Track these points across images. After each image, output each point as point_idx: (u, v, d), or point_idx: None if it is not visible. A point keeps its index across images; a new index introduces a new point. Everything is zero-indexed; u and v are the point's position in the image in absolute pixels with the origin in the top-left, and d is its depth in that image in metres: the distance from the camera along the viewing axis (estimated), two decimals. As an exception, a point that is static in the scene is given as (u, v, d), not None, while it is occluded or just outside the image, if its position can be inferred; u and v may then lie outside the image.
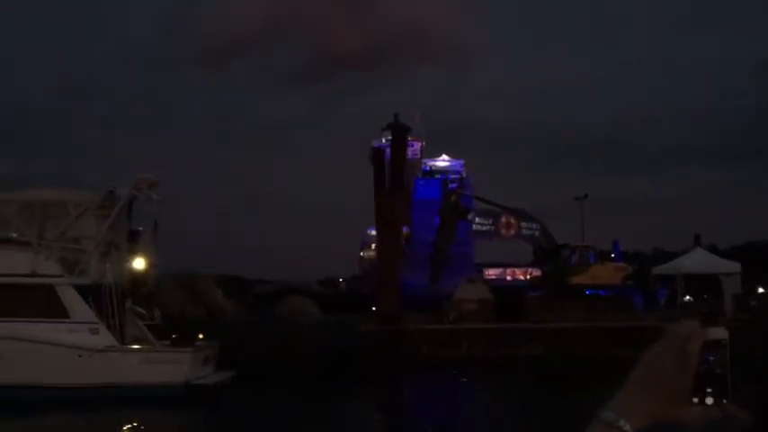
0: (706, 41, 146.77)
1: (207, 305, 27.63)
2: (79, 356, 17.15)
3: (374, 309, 30.97)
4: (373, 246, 64.39)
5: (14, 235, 18.53)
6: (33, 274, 17.74)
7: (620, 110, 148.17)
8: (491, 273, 43.47)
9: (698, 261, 32.63)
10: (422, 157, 63.56)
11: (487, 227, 34.61)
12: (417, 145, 64.52)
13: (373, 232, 66.07)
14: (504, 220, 34.87)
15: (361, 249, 63.40)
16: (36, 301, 17.70)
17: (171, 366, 17.47)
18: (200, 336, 20.31)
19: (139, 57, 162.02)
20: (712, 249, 43.23)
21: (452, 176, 62.60)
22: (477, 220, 34.49)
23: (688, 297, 35.24)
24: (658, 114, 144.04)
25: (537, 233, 35.53)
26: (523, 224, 35.24)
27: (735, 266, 32.17)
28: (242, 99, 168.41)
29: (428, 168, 61.25)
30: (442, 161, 61.85)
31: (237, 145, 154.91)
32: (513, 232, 35.09)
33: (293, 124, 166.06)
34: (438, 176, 61.00)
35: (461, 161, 64.51)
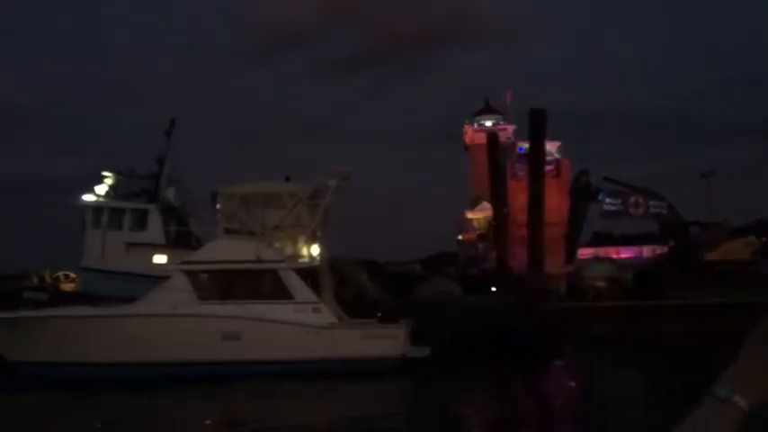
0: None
1: (353, 288, 29.28)
2: (307, 334, 18.97)
3: (518, 288, 32.05)
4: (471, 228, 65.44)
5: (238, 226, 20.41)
6: (258, 260, 19.63)
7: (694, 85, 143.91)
8: (613, 251, 44.21)
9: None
10: (515, 140, 64.24)
11: (617, 206, 35.36)
12: (510, 128, 65.22)
13: (471, 215, 67.25)
14: (632, 199, 35.56)
15: (460, 232, 64.62)
16: (262, 285, 19.62)
17: (388, 341, 19.17)
18: (380, 315, 21.83)
19: (198, 50, 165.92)
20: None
21: (548, 159, 62.99)
22: (607, 200, 35.26)
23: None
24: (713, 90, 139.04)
25: (664, 211, 36.07)
26: (651, 203, 35.84)
27: None
28: (299, 89, 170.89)
29: (523, 151, 61.83)
30: (536, 143, 62.27)
31: (298, 133, 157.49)
32: (641, 211, 35.75)
33: (350, 111, 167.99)
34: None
35: (557, 143, 64.78)
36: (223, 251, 19.75)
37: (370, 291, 30.38)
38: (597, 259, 38.15)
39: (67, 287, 26.87)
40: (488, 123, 64.99)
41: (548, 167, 63.14)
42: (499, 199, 43.80)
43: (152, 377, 18.20)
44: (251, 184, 20.94)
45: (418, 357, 19.27)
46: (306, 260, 20.23)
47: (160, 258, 25.65)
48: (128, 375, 18.28)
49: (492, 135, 45.12)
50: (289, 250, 20.22)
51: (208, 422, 14.68)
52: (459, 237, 64.44)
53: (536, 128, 32.10)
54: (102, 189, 26.98)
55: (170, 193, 27.13)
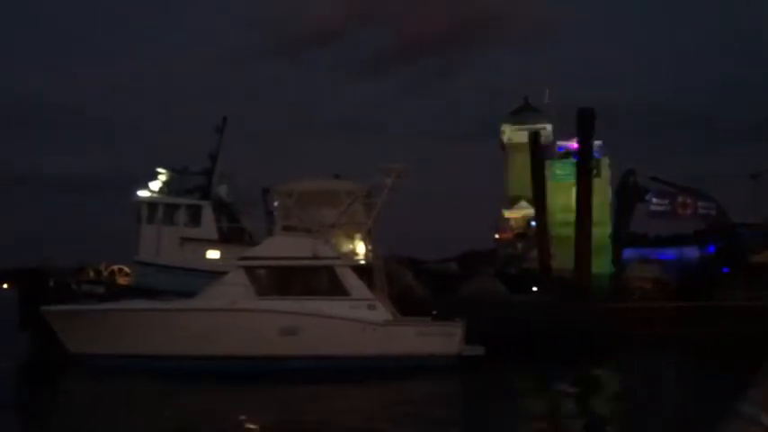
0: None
1: (399, 286, 29.41)
2: (363, 330, 19.19)
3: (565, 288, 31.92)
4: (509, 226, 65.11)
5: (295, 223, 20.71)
6: (315, 257, 19.90)
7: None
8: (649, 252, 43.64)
9: None
10: (555, 139, 63.78)
11: (665, 206, 34.98)
12: (549, 127, 64.77)
13: (508, 214, 66.94)
14: (680, 199, 35.15)
15: (497, 231, 64.40)
16: (319, 282, 19.90)
17: (444, 339, 19.32)
18: (434, 312, 21.97)
19: (225, 48, 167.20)
20: None
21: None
22: (654, 200, 34.90)
23: None
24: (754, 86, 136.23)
25: (713, 212, 35.61)
26: (700, 203, 35.40)
27: None
28: (328, 87, 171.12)
29: (563, 149, 61.44)
30: (576, 143, 61.86)
31: (324, 132, 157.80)
32: (689, 212, 35.33)
33: (381, 110, 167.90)
34: (573, 158, 61.24)
35: (598, 142, 64.25)
36: (280, 248, 20.06)
37: (416, 289, 30.54)
38: (642, 260, 37.82)
39: (122, 281, 27.45)
40: (530, 123, 64.53)
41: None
42: (541, 199, 43.61)
43: (211, 370, 18.59)
44: (308, 182, 21.21)
45: (473, 356, 19.35)
46: (361, 257, 20.46)
47: (213, 254, 26.11)
48: (188, 368, 18.68)
49: (534, 134, 44.87)
50: (345, 247, 20.47)
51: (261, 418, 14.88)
52: (497, 236, 64.21)
53: (584, 127, 31.87)
54: (155, 185, 27.53)
55: (222, 190, 27.58)
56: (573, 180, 61.43)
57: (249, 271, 19.93)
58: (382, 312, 19.68)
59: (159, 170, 27.70)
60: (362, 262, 20.39)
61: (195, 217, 26.56)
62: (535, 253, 49.43)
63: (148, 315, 19.57)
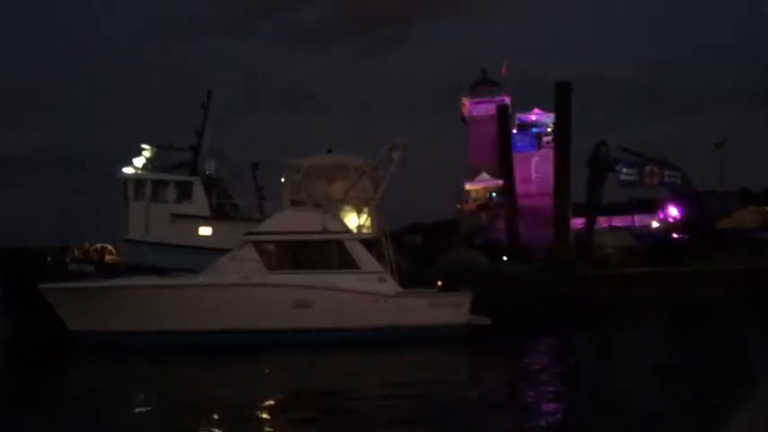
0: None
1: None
2: (376, 302, 19.51)
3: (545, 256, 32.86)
4: (471, 199, 66.19)
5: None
6: (324, 231, 20.03)
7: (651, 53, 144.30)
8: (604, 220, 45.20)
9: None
10: (513, 112, 64.78)
11: (634, 176, 36.27)
12: (508, 99, 65.74)
13: (470, 186, 67.95)
14: (648, 169, 36.51)
15: (459, 203, 65.31)
16: (329, 255, 20.06)
17: (454, 309, 19.80)
18: (440, 283, 22.45)
19: (168, 22, 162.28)
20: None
21: (545, 130, 64.09)
22: (624, 170, 36.13)
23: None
24: (690, 56, 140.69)
25: (678, 180, 37.12)
26: (666, 172, 36.87)
27: None
28: (272, 59, 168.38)
29: (522, 122, 62.57)
30: (535, 115, 63.06)
31: (271, 105, 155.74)
32: (656, 181, 36.76)
33: (325, 82, 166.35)
34: (531, 130, 62.47)
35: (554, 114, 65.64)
36: (290, 222, 20.12)
37: (399, 263, 30.92)
38: (611, 228, 39.19)
39: (108, 259, 26.92)
40: (488, 96, 65.41)
41: (546, 138, 64.19)
42: (508, 170, 44.51)
43: (226, 344, 18.66)
44: (317, 157, 21.24)
45: (482, 325, 19.90)
46: (369, 231, 20.69)
47: (205, 230, 25.88)
48: (201, 343, 18.69)
49: (502, 108, 45.60)
50: (353, 221, 20.65)
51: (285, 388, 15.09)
52: (459, 207, 65.13)
53: (562, 101, 32.65)
54: (139, 162, 26.98)
55: (211, 166, 27.25)
56: (532, 151, 62.66)
57: (258, 246, 19.94)
58: (392, 285, 20.03)
59: (144, 146, 27.15)
60: (371, 235, 20.61)
61: (185, 193, 26.20)
62: (500, 223, 50.51)
63: (160, 291, 19.40)
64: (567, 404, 12.41)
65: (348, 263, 19.90)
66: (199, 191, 26.13)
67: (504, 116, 44.58)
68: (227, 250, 21.70)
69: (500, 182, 57.78)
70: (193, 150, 27.41)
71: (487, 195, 61.74)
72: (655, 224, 43.36)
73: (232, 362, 17.74)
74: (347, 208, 20.61)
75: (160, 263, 23.71)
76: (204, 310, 19.06)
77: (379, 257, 20.51)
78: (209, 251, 23.84)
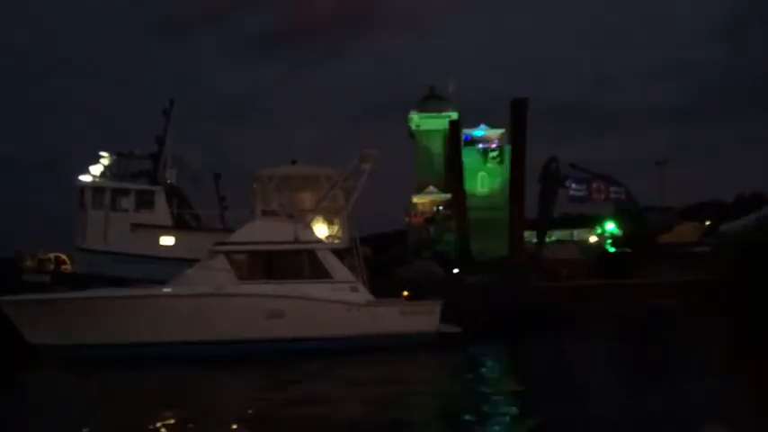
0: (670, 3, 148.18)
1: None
2: (348, 311, 19.70)
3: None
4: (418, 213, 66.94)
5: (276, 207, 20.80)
6: (297, 241, 20.13)
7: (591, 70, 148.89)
8: (557, 234, 46.63)
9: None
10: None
11: (583, 192, 37.57)
12: (455, 115, 67.05)
13: (416, 199, 68.74)
14: (595, 185, 37.88)
15: (407, 215, 66.09)
16: (301, 265, 20.14)
17: (425, 317, 20.17)
18: (406, 293, 22.86)
19: (101, 27, 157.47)
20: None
21: (492, 146, 65.60)
22: (573, 186, 37.39)
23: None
24: (629, 73, 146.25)
25: (623, 196, 38.65)
26: (612, 188, 38.31)
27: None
28: (214, 69, 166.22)
29: (469, 138, 63.95)
30: (481, 131, 64.53)
31: (208, 115, 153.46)
32: (603, 196, 38.16)
33: (267, 92, 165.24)
34: (478, 146, 63.93)
35: (501, 131, 67.29)
36: (262, 232, 20.13)
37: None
38: (560, 242, 40.45)
39: (64, 269, 26.17)
40: (436, 111, 66.71)
41: (492, 154, 65.56)
42: (459, 184, 45.45)
43: (199, 355, 18.47)
44: (289, 167, 21.32)
45: (452, 333, 20.33)
46: (341, 241, 20.89)
47: (167, 240, 25.53)
48: (174, 354, 18.44)
49: (454, 123, 46.65)
50: (325, 231, 20.82)
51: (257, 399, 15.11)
52: (407, 219, 65.92)
53: (517, 117, 33.64)
54: (97, 169, 26.44)
55: (172, 175, 26.92)
56: (479, 165, 63.88)
57: (230, 256, 19.86)
58: (364, 293, 20.27)
59: (102, 154, 26.64)
60: (342, 245, 20.82)
61: (147, 202, 25.80)
62: (448, 236, 51.37)
63: (131, 302, 19.07)
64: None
65: (320, 272, 20.04)
66: (161, 200, 25.78)
67: (456, 131, 45.62)
68: (189, 260, 21.55)
69: (447, 195, 58.86)
70: (154, 159, 27.04)
71: (434, 208, 62.70)
72: (593, 239, 44.96)
73: (204, 372, 17.62)
74: (319, 218, 20.76)
75: (118, 273, 23.25)
76: (177, 320, 18.83)
77: (351, 267, 20.73)
78: (170, 261, 23.56)
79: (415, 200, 66.72)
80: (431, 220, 61.20)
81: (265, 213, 20.57)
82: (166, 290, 19.58)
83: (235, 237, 20.45)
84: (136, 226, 25.40)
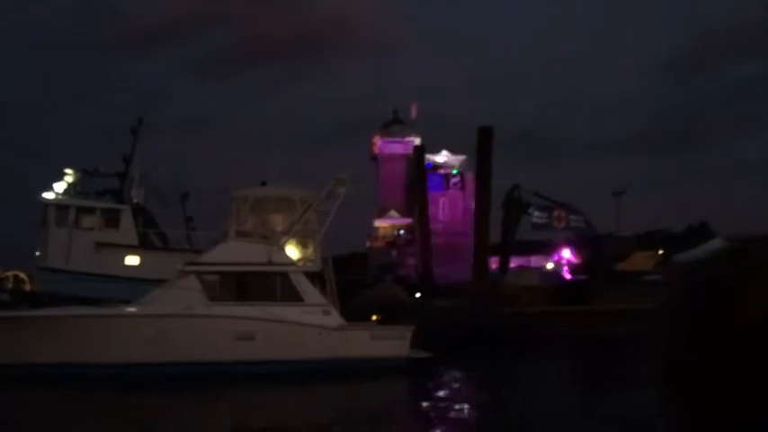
0: (621, 35, 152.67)
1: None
2: (320, 334, 19.69)
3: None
4: (380, 235, 67.26)
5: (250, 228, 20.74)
6: (270, 263, 20.09)
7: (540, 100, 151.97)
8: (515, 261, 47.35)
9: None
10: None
11: (544, 219, 38.36)
12: (418, 140, 67.82)
13: (378, 224, 69.08)
14: (556, 213, 38.72)
15: (368, 239, 66.30)
16: (274, 287, 20.06)
17: (396, 342, 20.27)
18: (375, 317, 22.97)
19: (53, 41, 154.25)
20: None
21: (454, 172, 66.45)
22: (536, 213, 38.15)
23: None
24: (577, 106, 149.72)
25: (582, 224, 39.58)
26: (572, 217, 39.21)
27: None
28: (167, 87, 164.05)
29: (431, 165, 64.63)
30: (443, 157, 65.38)
31: (164, 133, 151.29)
32: (563, 224, 39.01)
33: (221, 112, 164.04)
34: (440, 172, 64.74)
35: (462, 157, 68.22)
36: (234, 253, 20.03)
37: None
38: (520, 268, 41.10)
39: (25, 288, 25.54)
40: (399, 136, 67.41)
41: (453, 180, 66.46)
42: (423, 209, 45.92)
43: (167, 377, 18.21)
44: (264, 188, 21.33)
45: (422, 358, 20.47)
46: (314, 264, 20.93)
47: (132, 260, 25.18)
48: (142, 375, 18.14)
49: (419, 148, 47.29)
50: (298, 254, 20.83)
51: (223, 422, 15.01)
52: (368, 244, 66.14)
53: (483, 145, 34.28)
54: (61, 187, 25.99)
55: (139, 194, 26.62)
56: (439, 192, 64.62)
57: (201, 276, 19.70)
58: (336, 317, 20.29)
59: (66, 170, 26.22)
60: (316, 268, 20.86)
61: (113, 221, 25.44)
62: (410, 260, 51.71)
63: (98, 321, 18.70)
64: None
65: (292, 295, 20.00)
66: (127, 219, 25.47)
67: (420, 156, 46.24)
68: (155, 281, 21.32)
69: (408, 220, 59.24)
70: (120, 177, 26.73)
71: (395, 233, 63.04)
72: (550, 265, 45.79)
73: (172, 395, 17.35)
74: (293, 240, 20.78)
75: (82, 292, 22.84)
76: (145, 340, 18.53)
77: (323, 290, 20.76)
78: (135, 281, 23.24)
79: (377, 224, 67.01)
80: (392, 244, 61.51)
81: (239, 234, 20.49)
82: (133, 309, 19.27)
83: (207, 257, 20.30)
84: (100, 245, 25.00)
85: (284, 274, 20.14)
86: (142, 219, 26.55)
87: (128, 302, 20.13)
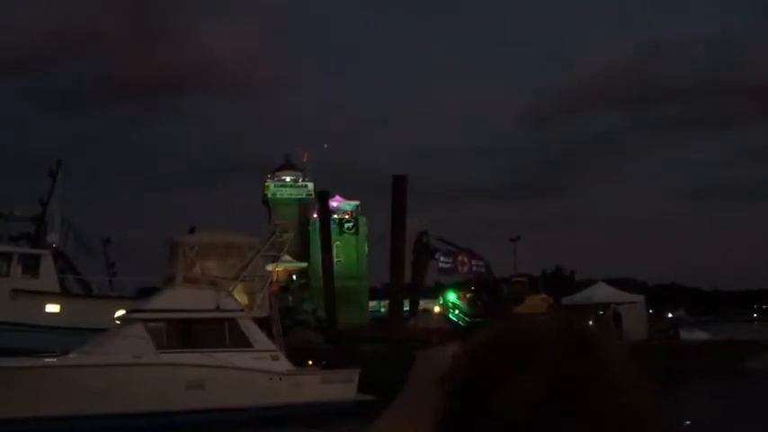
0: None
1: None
2: (270, 380, 19.75)
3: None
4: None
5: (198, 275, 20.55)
6: (218, 309, 20.01)
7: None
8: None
9: (607, 292, 40.77)
10: (315, 197, 67.90)
11: (450, 264, 40.07)
12: (311, 185, 68.71)
13: (271, 268, 68.42)
14: (460, 258, 40.57)
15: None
16: (222, 333, 19.95)
17: (344, 385, 20.65)
18: (310, 362, 23.28)
19: None
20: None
21: (347, 216, 67.74)
22: (442, 258, 39.78)
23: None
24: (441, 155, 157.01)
25: (483, 269, 41.71)
26: (474, 262, 41.22)
27: (639, 297, 40.70)
28: (24, 122, 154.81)
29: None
30: (336, 201, 66.56)
31: (11, 170, 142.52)
32: (466, 269, 40.89)
33: (78, 150, 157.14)
34: (333, 216, 65.96)
35: (356, 202, 69.71)
36: (182, 300, 19.76)
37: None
38: (424, 311, 42.57)
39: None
40: (288, 179, 68.03)
41: (347, 225, 67.68)
42: (328, 253, 46.56)
43: (114, 430, 17.60)
44: (211, 234, 21.24)
45: (368, 401, 20.94)
46: (262, 310, 21.02)
47: (52, 308, 23.98)
48: (86, 429, 17.43)
49: (323, 194, 48.18)
50: (246, 300, 20.86)
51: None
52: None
53: (397, 192, 35.51)
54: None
55: (54, 238, 25.46)
56: (334, 236, 65.60)
57: (147, 324, 19.28)
58: (285, 362, 20.44)
59: (-24, 214, 24.77)
60: (263, 314, 20.96)
61: (32, 267, 24.15)
62: (308, 305, 51.97)
63: (37, 372, 17.78)
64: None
65: (241, 341, 19.97)
66: (48, 265, 24.29)
67: (324, 200, 47.10)
68: (77, 329, 20.64)
69: (302, 264, 59.53)
70: (36, 221, 25.52)
71: (290, 277, 63.00)
72: (437, 309, 47.59)
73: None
74: (240, 286, 20.83)
75: None
76: (88, 392, 17.81)
77: (270, 335, 20.87)
78: (56, 330, 22.24)
79: (270, 267, 66.45)
80: (286, 288, 61.33)
81: (186, 281, 20.25)
82: (74, 358, 18.50)
83: (152, 304, 19.88)
84: (17, 292, 23.65)
85: (232, 320, 20.10)
86: (61, 264, 25.39)
87: (50, 353, 19.24)
